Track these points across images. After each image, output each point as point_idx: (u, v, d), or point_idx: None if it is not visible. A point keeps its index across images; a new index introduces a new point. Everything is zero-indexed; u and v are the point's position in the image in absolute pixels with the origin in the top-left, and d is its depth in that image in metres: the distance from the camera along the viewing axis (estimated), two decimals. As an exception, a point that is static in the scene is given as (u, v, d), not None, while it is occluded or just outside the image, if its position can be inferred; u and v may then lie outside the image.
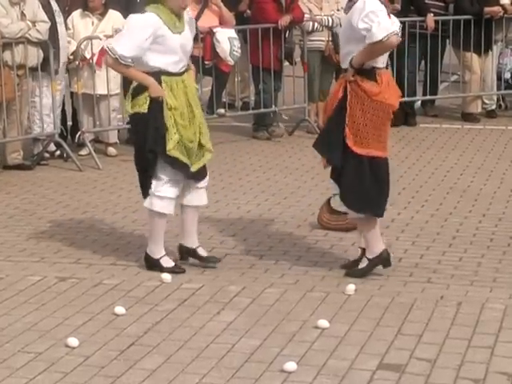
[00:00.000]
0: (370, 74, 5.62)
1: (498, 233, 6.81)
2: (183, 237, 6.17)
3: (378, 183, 5.77)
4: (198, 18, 9.89)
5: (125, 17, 7.33)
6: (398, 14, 10.76)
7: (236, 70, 11.35)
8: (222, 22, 10.08)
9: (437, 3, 11.37)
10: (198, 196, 6.09)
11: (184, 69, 5.94)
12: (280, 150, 10.00)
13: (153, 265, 6.01)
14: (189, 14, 6.16)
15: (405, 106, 11.29)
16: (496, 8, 11.29)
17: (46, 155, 9.63)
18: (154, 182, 5.87)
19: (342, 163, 5.71)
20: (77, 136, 9.77)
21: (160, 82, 5.81)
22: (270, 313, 5.31)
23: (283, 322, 5.15)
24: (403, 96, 11.13)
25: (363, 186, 5.69)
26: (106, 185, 8.57)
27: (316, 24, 10.49)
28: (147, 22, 5.80)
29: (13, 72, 9.01)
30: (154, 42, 5.79)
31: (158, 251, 6.01)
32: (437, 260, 6.21)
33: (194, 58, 9.78)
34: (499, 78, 11.78)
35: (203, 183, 6.10)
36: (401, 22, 10.60)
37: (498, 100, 12.02)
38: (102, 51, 9.49)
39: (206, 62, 10.00)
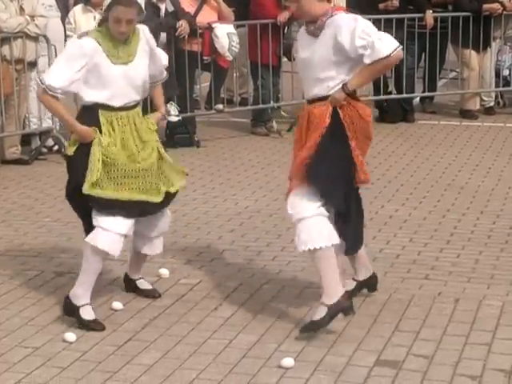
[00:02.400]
0: (354, 94, 5.02)
1: (496, 230, 6.82)
2: (128, 266, 5.66)
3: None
4: (197, 13, 9.93)
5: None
6: (396, 11, 10.91)
7: (235, 66, 11.38)
8: (221, 18, 10.09)
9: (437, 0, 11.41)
10: (151, 245, 5.48)
11: (133, 104, 5.17)
12: (278, 146, 10.00)
13: (71, 311, 5.16)
14: (150, 39, 5.34)
15: (403, 102, 11.34)
16: (495, 5, 11.29)
17: (44, 150, 9.64)
18: (96, 215, 5.10)
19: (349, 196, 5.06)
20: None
21: (97, 118, 5.08)
22: (267, 309, 5.32)
23: (280, 318, 5.16)
24: (401, 93, 11.25)
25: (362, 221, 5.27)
26: (104, 180, 8.57)
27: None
28: (82, 49, 5.03)
29: (11, 66, 9.01)
30: (88, 72, 5.04)
31: (83, 296, 5.16)
32: (434, 257, 6.21)
33: (193, 54, 9.87)
34: (497, 75, 11.78)
35: (156, 232, 5.41)
36: (400, 19, 10.86)
37: (496, 97, 12.03)
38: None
39: (205, 58, 10.02)
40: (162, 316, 5.24)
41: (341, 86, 4.93)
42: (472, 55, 11.40)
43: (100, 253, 5.07)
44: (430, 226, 6.92)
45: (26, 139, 9.67)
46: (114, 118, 5.10)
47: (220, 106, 10.48)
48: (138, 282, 5.58)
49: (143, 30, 5.27)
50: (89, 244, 5.08)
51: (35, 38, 9.12)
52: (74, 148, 5.12)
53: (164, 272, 5.90)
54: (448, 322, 5.08)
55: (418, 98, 11.95)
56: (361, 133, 5.02)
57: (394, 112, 11.26)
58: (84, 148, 5.05)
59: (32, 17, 9.05)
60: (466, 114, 11.51)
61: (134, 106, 5.21)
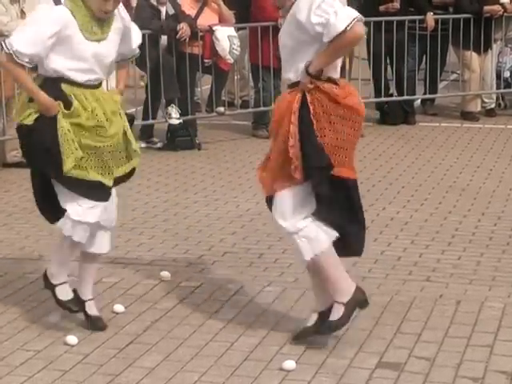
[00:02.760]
0: (329, 81, 4.61)
1: (498, 231, 6.82)
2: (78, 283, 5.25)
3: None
4: (197, 15, 9.95)
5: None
6: (397, 13, 10.92)
7: (235, 69, 11.39)
8: (222, 20, 10.11)
9: (438, 3, 11.42)
10: (99, 241, 5.11)
11: (97, 83, 4.92)
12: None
13: (48, 287, 5.13)
14: (126, 17, 5.06)
15: (404, 104, 11.35)
16: (496, 7, 11.31)
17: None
18: (68, 206, 4.88)
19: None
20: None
21: (60, 91, 4.79)
22: (268, 311, 5.32)
23: (282, 321, 5.16)
24: (402, 95, 11.26)
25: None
26: (106, 183, 8.57)
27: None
28: (56, 17, 4.70)
29: (12, 70, 9.00)
30: (59, 42, 4.72)
31: (57, 276, 5.07)
32: (436, 259, 6.21)
33: (193, 56, 9.88)
34: (498, 77, 11.81)
35: (109, 224, 5.07)
36: (400, 21, 10.86)
37: (497, 99, 12.05)
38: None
39: (206, 60, 10.04)
40: (164, 319, 5.24)
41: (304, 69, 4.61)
42: (473, 57, 11.41)
43: (76, 242, 4.94)
44: (431, 228, 6.93)
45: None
46: (77, 93, 4.80)
47: (221, 109, 10.50)
48: (87, 303, 5.13)
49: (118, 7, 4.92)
50: (62, 232, 4.95)
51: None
52: (33, 118, 4.80)
53: (165, 275, 5.90)
54: (450, 324, 5.08)
55: (419, 100, 11.97)
56: (336, 115, 4.60)
57: (395, 114, 11.27)
58: (46, 120, 4.75)
59: (33, 20, 9.05)
60: (467, 116, 11.53)
61: (99, 85, 4.95)
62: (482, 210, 7.40)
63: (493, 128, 10.96)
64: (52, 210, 5.03)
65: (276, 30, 10.32)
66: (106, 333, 5.02)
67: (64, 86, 4.78)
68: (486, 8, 11.23)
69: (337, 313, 4.76)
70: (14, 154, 9.26)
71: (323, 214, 4.70)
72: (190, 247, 6.50)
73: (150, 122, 10.12)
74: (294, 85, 4.69)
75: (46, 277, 5.15)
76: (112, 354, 4.75)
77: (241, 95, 11.95)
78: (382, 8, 10.97)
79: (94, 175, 4.81)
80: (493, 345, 4.79)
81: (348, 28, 4.39)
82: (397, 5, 10.94)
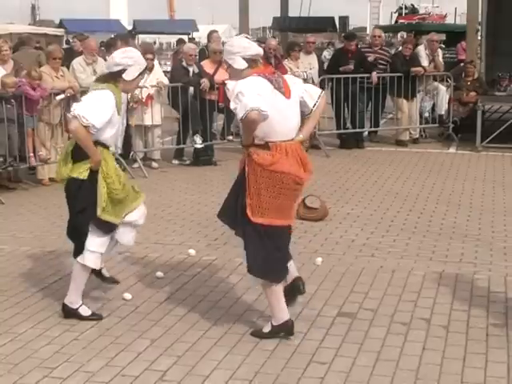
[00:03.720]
0: (264, 147, 4.06)
1: (420, 223, 6.80)
2: None
3: (278, 250, 4.18)
4: (214, 73, 9.92)
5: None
6: (352, 72, 10.92)
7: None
8: (231, 78, 10.06)
9: (380, 66, 11.39)
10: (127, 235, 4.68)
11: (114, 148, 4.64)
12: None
13: (71, 314, 4.55)
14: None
15: (356, 135, 11.34)
16: (419, 68, 11.31)
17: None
18: (88, 240, 4.49)
19: (242, 231, 4.22)
20: (130, 154, 9.77)
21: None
22: (263, 277, 5.31)
23: (272, 283, 5.14)
24: (355, 127, 11.25)
25: (263, 253, 4.11)
26: (151, 188, 8.55)
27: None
28: (111, 101, 4.36)
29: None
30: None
31: (76, 301, 4.56)
32: (378, 241, 6.20)
33: (211, 101, 9.87)
34: (421, 116, 11.79)
35: (140, 220, 4.71)
36: (354, 77, 10.86)
37: (420, 131, 12.03)
38: (149, 96, 9.53)
39: (220, 104, 10.03)
40: (191, 282, 5.22)
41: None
42: (403, 102, 11.39)
43: (87, 268, 4.55)
44: (375, 220, 6.91)
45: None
46: (105, 153, 4.43)
47: (230, 137, 10.48)
48: (101, 270, 4.84)
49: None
50: (79, 262, 4.53)
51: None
52: (87, 173, 4.37)
53: (192, 252, 5.88)
54: (387, 286, 5.07)
55: (366, 132, 11.94)
56: (262, 181, 4.07)
57: (350, 141, 11.24)
58: (94, 175, 4.38)
59: (101, 76, 9.05)
60: (399, 143, 11.50)
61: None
62: (410, 208, 7.38)
63: (417, 151, 10.92)
64: (78, 248, 4.59)
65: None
66: (151, 291, 5.00)
67: (100, 149, 4.39)
68: (413, 69, 11.22)
69: (266, 328, 4.25)
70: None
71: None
72: (209, 233, 6.48)
73: (182, 146, 10.11)
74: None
75: (65, 307, 4.58)
76: (154, 306, 4.74)
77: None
78: (341, 68, 10.96)
79: (113, 219, 4.48)
80: (416, 300, 4.79)
81: (243, 117, 3.93)
82: (351, 66, 10.94)
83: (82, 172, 4.37)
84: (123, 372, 3.81)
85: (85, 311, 4.56)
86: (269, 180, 4.06)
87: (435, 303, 4.72)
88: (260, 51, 4.26)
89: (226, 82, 11.58)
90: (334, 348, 4.06)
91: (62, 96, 8.59)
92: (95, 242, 4.49)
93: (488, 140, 10.63)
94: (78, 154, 4.38)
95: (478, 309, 4.60)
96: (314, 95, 4.30)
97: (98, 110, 4.30)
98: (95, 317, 4.55)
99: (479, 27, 13.97)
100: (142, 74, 4.55)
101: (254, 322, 4.43)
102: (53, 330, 4.35)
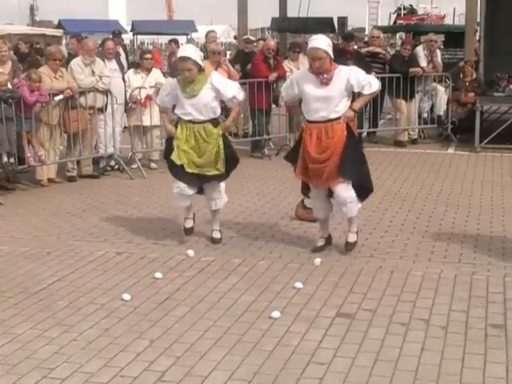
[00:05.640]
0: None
1: (419, 223, 6.81)
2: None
3: None
4: (213, 74, 9.94)
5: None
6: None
7: (240, 110, 11.35)
8: (230, 77, 10.05)
9: (377, 65, 11.41)
10: (213, 202, 6.19)
11: (192, 119, 5.83)
12: (269, 165, 10.00)
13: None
14: (215, 82, 5.83)
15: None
16: (417, 69, 11.33)
17: (108, 168, 9.63)
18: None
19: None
20: (129, 155, 9.77)
21: (177, 123, 5.91)
22: (261, 278, 5.31)
23: (271, 284, 5.15)
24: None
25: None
26: (149, 189, 8.56)
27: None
28: (168, 84, 6.02)
29: (86, 111, 9.01)
30: (174, 98, 5.87)
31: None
32: (377, 241, 6.21)
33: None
34: (420, 117, 11.81)
35: (214, 193, 6.13)
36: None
37: (418, 132, 12.04)
38: (147, 97, 9.54)
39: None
40: (189, 282, 5.23)
41: (349, 108, 5.44)
42: (402, 103, 11.42)
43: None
44: (373, 220, 6.92)
45: (96, 160, 9.66)
46: (183, 124, 5.85)
47: (230, 137, 10.47)
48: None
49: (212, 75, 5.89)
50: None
51: (102, 92, 9.12)
52: (168, 137, 6.05)
53: (190, 252, 5.89)
54: (386, 286, 5.08)
55: (365, 133, 11.96)
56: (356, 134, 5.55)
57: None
58: (170, 137, 5.98)
59: (100, 77, 9.05)
60: (398, 144, 11.52)
61: (200, 122, 5.81)
62: (409, 208, 7.40)
63: (416, 152, 10.95)
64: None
65: (267, 84, 10.37)
66: (150, 292, 5.01)
67: (180, 121, 5.88)
68: (411, 70, 11.24)
69: (352, 237, 5.80)
70: (87, 168, 9.27)
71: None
72: (208, 233, 6.48)
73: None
74: (335, 119, 5.43)
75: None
76: (154, 307, 4.74)
77: (243, 128, 11.95)
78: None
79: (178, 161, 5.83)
80: (415, 300, 4.79)
81: (378, 89, 5.48)
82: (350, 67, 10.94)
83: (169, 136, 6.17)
84: (122, 372, 3.81)
85: (187, 223, 6.29)
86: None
87: (434, 304, 4.72)
88: None
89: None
90: (332, 348, 4.06)
91: (60, 96, 8.60)
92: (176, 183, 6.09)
93: (486, 140, 10.65)
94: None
95: (476, 309, 4.60)
96: None
97: (160, 93, 6.21)
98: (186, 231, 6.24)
99: (478, 28, 13.99)
100: None
101: (253, 323, 4.43)
102: (51, 330, 4.35)
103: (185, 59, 5.68)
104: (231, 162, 6.03)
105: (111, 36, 13.13)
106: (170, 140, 6.00)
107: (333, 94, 5.42)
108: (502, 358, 3.93)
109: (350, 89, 5.44)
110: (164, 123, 6.16)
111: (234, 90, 5.90)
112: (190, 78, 5.72)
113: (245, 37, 13.01)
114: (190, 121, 5.84)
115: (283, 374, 3.79)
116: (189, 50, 5.85)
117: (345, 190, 5.55)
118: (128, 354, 4.03)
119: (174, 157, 5.85)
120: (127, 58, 11.46)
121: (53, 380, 3.74)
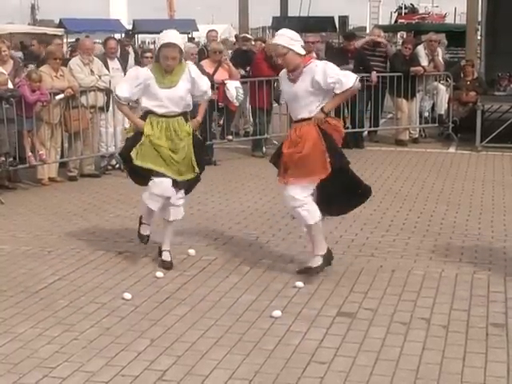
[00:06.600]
0: (328, 115, 5.13)
1: (420, 222, 6.81)
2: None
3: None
4: (214, 73, 9.91)
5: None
6: (351, 71, 10.89)
7: (240, 109, 11.38)
8: (231, 76, 10.08)
9: (379, 64, 11.41)
10: (173, 211, 5.51)
11: (167, 112, 5.27)
12: (270, 164, 9.95)
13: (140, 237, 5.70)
14: (193, 73, 5.34)
15: (355, 134, 11.34)
16: (418, 68, 11.32)
17: (109, 167, 9.63)
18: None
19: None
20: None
21: (145, 118, 5.31)
22: (263, 277, 5.31)
23: (272, 283, 5.15)
24: (355, 127, 11.25)
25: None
26: (151, 188, 8.57)
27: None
28: (138, 74, 5.28)
29: (87, 110, 9.01)
30: (145, 89, 5.23)
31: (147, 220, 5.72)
32: (378, 241, 6.21)
33: (211, 101, 9.84)
34: (420, 116, 11.80)
35: (178, 200, 5.51)
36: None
37: (420, 131, 12.03)
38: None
39: (220, 104, 10.02)
40: (191, 281, 5.23)
41: (320, 109, 4.99)
42: (403, 102, 11.40)
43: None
44: (374, 220, 6.92)
45: (97, 159, 9.66)
46: (154, 119, 5.28)
47: (230, 137, 10.48)
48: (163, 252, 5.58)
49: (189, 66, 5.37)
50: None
51: (103, 90, 9.12)
52: (132, 133, 5.39)
53: (191, 251, 5.89)
54: (387, 286, 5.08)
55: (366, 132, 11.95)
56: (334, 137, 5.10)
57: (350, 141, 11.23)
58: (137, 134, 5.31)
59: (99, 76, 9.06)
60: (399, 143, 11.51)
61: (175, 115, 5.30)
62: (410, 208, 7.39)
63: (417, 151, 10.94)
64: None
65: (268, 83, 10.37)
66: (151, 291, 5.01)
67: (149, 115, 5.29)
68: (412, 69, 11.24)
69: (315, 262, 5.16)
70: (89, 167, 9.28)
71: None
72: (208, 232, 6.49)
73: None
74: (305, 120, 5.03)
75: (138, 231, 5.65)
76: (155, 306, 4.74)
77: (243, 127, 11.95)
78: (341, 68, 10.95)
79: (151, 166, 5.29)
80: (416, 300, 4.79)
81: (356, 83, 4.96)
82: (351, 66, 10.94)
83: (129, 132, 5.56)
84: (123, 372, 3.81)
85: (144, 230, 5.69)
86: (336, 137, 5.12)
87: (435, 303, 4.72)
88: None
89: (225, 81, 11.65)
90: (333, 348, 4.06)
91: (61, 96, 8.60)
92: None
93: (488, 140, 10.65)
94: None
95: (477, 308, 4.60)
96: None
97: (122, 83, 5.52)
98: (142, 239, 5.65)
99: (479, 27, 13.99)
100: None
101: (253, 322, 4.43)
102: (52, 329, 4.36)
103: (172, 45, 5.11)
104: (202, 162, 5.62)
105: (123, 35, 13.11)
106: (136, 137, 5.32)
107: (298, 91, 5.00)
108: (503, 357, 3.93)
109: (318, 86, 4.93)
110: (131, 118, 5.44)
111: (207, 83, 5.49)
112: (171, 66, 5.18)
113: (242, 35, 13.04)
114: (163, 115, 5.26)
115: (284, 373, 3.79)
116: (175, 37, 5.24)
117: (292, 190, 5.13)
118: (129, 353, 4.03)
119: (143, 160, 5.25)
120: (136, 58, 11.48)
121: (54, 379, 3.74)
